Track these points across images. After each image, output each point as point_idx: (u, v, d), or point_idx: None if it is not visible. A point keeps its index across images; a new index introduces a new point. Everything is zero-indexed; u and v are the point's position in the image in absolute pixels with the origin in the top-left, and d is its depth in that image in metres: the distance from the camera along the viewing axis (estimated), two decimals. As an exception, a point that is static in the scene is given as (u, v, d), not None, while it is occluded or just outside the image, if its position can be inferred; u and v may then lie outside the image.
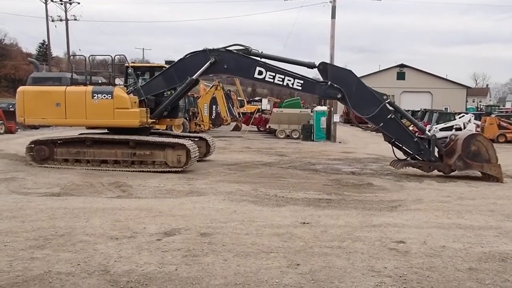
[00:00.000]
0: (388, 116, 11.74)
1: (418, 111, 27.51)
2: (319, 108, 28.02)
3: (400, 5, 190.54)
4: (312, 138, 24.00)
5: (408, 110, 29.17)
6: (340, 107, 27.03)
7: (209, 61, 11.91)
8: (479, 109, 59.19)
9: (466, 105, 57.19)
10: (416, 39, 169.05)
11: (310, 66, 12.27)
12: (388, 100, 11.96)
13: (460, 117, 24.07)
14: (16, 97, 12.28)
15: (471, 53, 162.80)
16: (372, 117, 11.76)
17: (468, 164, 11.28)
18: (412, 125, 14.00)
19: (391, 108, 12.02)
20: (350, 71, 12.22)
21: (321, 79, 12.20)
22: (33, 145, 12.05)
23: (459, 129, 22.87)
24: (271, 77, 11.99)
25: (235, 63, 12.21)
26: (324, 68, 12.06)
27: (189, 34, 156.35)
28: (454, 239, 6.21)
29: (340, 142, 23.48)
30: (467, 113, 26.54)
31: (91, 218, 6.92)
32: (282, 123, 25.68)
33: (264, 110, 44.12)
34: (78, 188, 9.34)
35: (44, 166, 11.78)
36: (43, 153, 11.95)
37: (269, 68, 12.03)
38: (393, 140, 12.09)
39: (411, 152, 11.97)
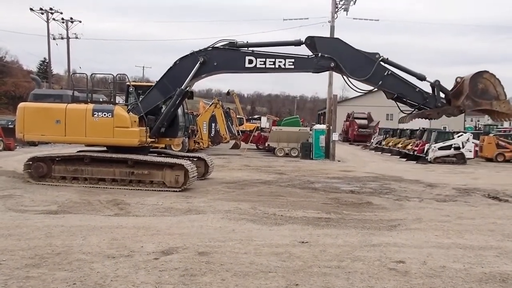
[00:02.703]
0: (385, 73, 11.72)
1: (417, 130, 27.56)
2: (318, 126, 28.10)
3: (399, 26, 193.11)
4: (311, 157, 23.98)
5: (407, 129, 29.21)
6: (339, 125, 27.00)
7: (199, 62, 11.92)
8: (477, 128, 59.51)
9: (464, 124, 57.43)
10: (414, 59, 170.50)
11: (297, 43, 12.14)
12: (381, 58, 11.87)
13: (458, 136, 24.17)
14: (17, 113, 12.31)
15: (468, 73, 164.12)
16: (369, 77, 11.71)
17: (477, 102, 10.97)
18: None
19: (386, 65, 11.94)
20: (338, 38, 12.20)
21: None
22: (31, 162, 12.03)
23: (457, 148, 23.00)
24: (262, 63, 11.93)
25: (224, 58, 12.18)
26: (311, 42, 11.98)
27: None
28: (454, 259, 6.17)
29: (339, 161, 23.48)
30: (465, 132, 26.65)
31: (88, 236, 6.87)
32: (281, 141, 25.71)
33: (263, 128, 44.20)
34: (75, 206, 9.28)
35: (42, 184, 11.73)
36: (41, 170, 11.91)
37: (258, 55, 11.98)
38: (396, 96, 11.98)
39: (417, 103, 11.87)
